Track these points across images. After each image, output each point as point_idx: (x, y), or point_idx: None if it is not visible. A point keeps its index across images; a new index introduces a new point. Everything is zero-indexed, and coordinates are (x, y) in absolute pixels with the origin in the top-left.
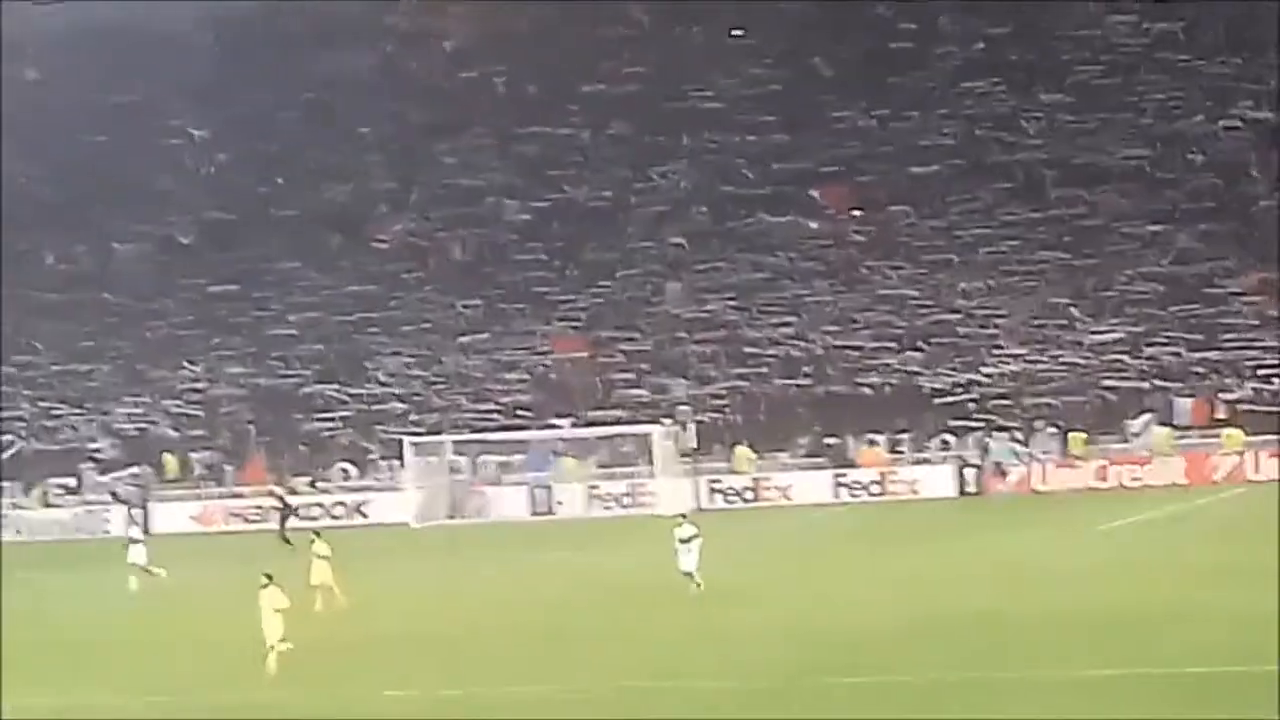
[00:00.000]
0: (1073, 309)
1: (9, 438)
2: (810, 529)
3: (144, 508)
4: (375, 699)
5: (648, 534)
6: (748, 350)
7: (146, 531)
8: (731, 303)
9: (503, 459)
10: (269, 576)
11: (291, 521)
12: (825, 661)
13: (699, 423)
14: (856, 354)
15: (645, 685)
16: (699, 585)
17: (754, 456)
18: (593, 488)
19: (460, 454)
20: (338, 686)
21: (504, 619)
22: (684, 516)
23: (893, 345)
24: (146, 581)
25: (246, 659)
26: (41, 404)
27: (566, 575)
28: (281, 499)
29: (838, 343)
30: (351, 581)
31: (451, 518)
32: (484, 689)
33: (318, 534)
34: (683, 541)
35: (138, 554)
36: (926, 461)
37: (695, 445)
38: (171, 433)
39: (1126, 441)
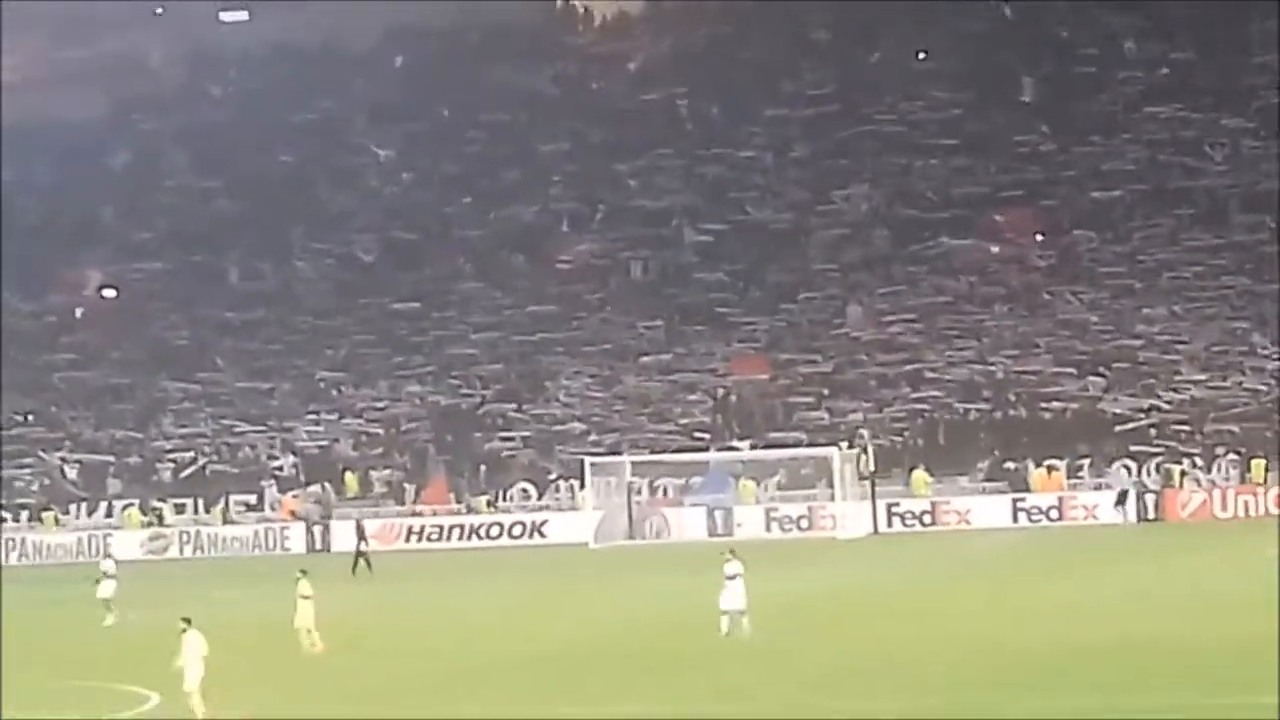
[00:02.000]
0: (1255, 335)
1: (190, 454)
2: (987, 553)
3: (325, 525)
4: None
5: (827, 556)
6: (928, 374)
7: (325, 549)
8: (912, 326)
9: (682, 480)
10: (188, 620)
11: (472, 541)
12: (993, 683)
13: (878, 446)
14: (1037, 379)
15: (808, 701)
16: (745, 625)
17: (930, 480)
18: (771, 510)
19: (639, 475)
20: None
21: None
22: (731, 552)
23: (1073, 370)
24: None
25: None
26: (223, 421)
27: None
28: (360, 529)
29: (1018, 367)
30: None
31: (630, 538)
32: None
33: (304, 572)
34: (728, 579)
35: (107, 589)
36: (1106, 487)
37: (874, 468)
38: (352, 451)
39: None
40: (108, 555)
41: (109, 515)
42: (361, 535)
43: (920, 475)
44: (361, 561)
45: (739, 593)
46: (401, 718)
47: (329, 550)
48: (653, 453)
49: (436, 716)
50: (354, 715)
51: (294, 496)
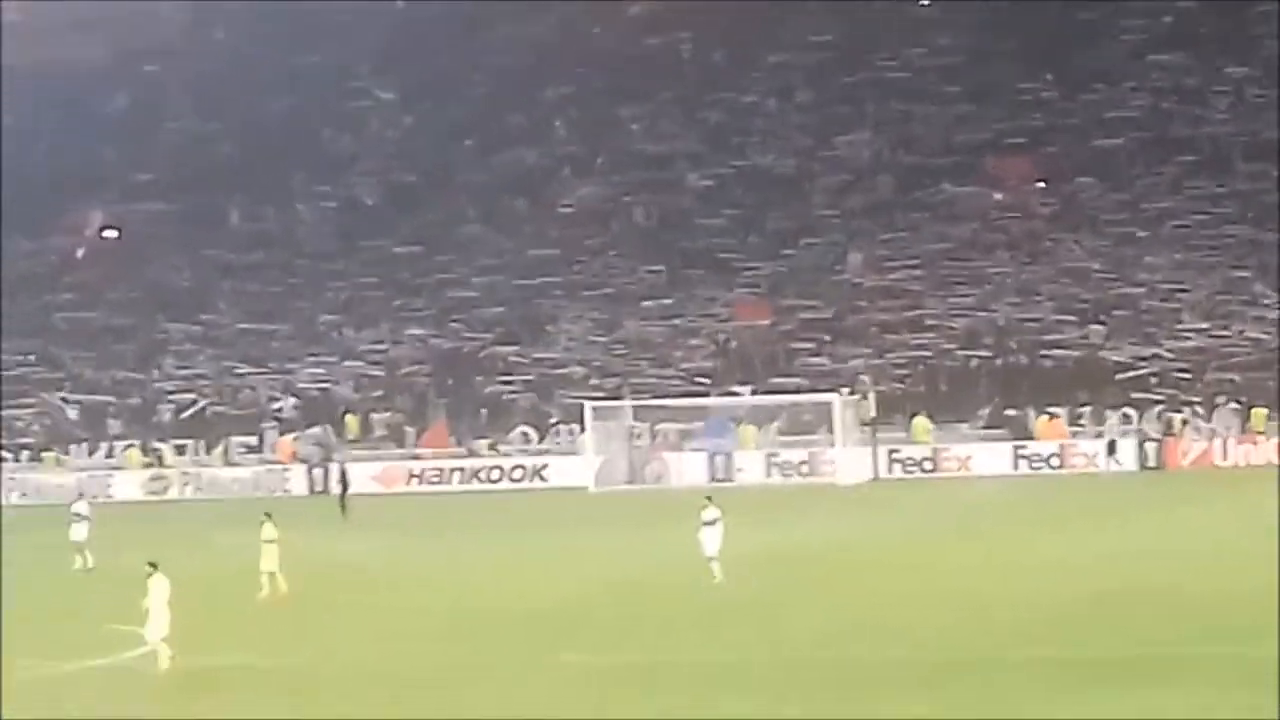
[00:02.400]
0: (1257, 284)
1: (191, 396)
2: (987, 501)
3: (325, 468)
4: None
5: (826, 503)
6: (929, 320)
7: (326, 491)
8: (914, 273)
9: (682, 426)
10: (154, 565)
11: (473, 484)
12: (996, 634)
13: (879, 392)
14: (1038, 326)
15: (805, 655)
16: (716, 572)
17: (931, 427)
18: (772, 455)
19: (640, 420)
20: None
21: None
22: (709, 499)
23: (1075, 318)
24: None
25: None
26: (224, 363)
27: (734, 542)
28: (343, 471)
29: (1020, 314)
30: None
31: (630, 483)
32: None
33: (268, 515)
34: (706, 524)
35: (79, 532)
36: (1107, 435)
37: (875, 414)
38: (353, 394)
39: None
40: (80, 497)
41: (109, 456)
42: (343, 480)
43: (921, 422)
44: (343, 505)
45: (717, 538)
46: (398, 665)
47: (329, 492)
48: (654, 397)
49: (431, 663)
50: (346, 661)
51: (294, 439)
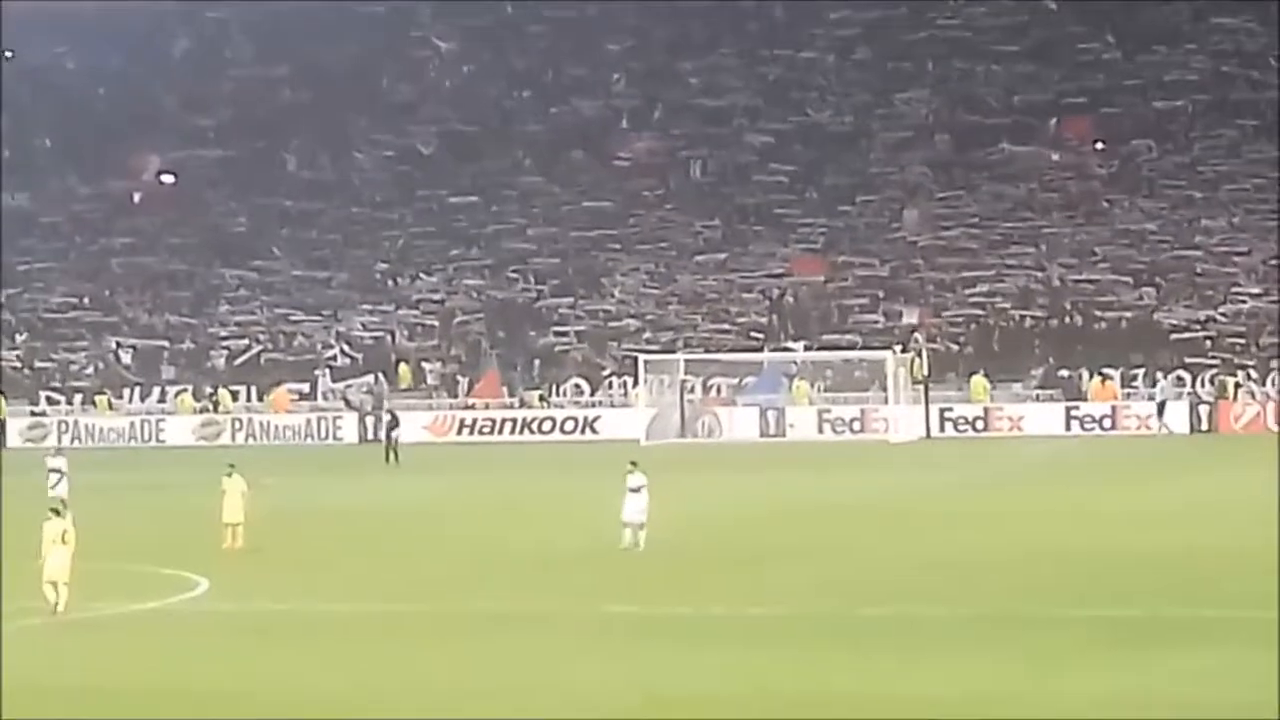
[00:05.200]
0: None
1: (245, 342)
2: (1037, 460)
3: (377, 416)
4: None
5: (879, 459)
6: (984, 280)
7: (377, 439)
8: (970, 231)
9: (735, 380)
10: (55, 510)
11: (524, 435)
12: (1042, 592)
13: (932, 350)
14: (1093, 287)
15: (868, 612)
16: (639, 541)
17: (989, 386)
18: (824, 412)
19: (693, 373)
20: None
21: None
22: (634, 464)
23: (1130, 280)
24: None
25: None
26: (278, 310)
27: (785, 495)
28: (392, 414)
29: (1075, 276)
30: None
31: (682, 437)
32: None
33: (232, 466)
34: (632, 491)
35: (62, 488)
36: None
37: (928, 373)
38: (407, 342)
39: None
40: (58, 452)
41: (162, 400)
42: (392, 426)
43: (979, 380)
44: (393, 452)
45: (642, 506)
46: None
47: (380, 440)
48: (707, 352)
49: (465, 610)
50: (375, 609)
51: (346, 386)
